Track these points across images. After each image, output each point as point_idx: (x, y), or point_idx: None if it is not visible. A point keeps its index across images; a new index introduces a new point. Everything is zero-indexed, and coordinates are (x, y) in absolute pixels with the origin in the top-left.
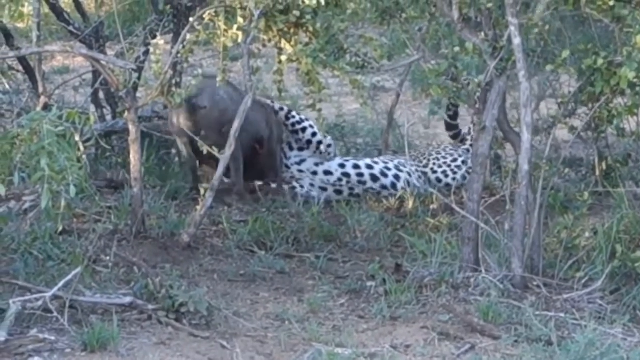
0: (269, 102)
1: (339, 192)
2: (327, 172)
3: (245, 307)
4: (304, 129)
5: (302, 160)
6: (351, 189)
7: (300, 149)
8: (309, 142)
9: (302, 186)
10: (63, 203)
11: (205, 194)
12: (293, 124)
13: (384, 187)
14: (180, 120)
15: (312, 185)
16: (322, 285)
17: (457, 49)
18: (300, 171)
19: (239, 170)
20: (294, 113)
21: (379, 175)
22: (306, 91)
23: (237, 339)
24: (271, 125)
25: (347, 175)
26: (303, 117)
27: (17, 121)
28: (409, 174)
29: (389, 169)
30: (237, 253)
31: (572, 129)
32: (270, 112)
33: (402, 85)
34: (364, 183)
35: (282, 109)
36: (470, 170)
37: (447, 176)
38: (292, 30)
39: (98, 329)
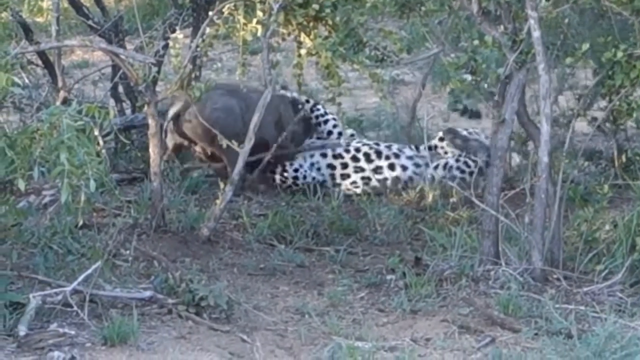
0: (294, 95)
1: (332, 166)
2: (324, 155)
3: (265, 301)
4: (326, 121)
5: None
6: (344, 165)
7: (318, 139)
8: (330, 132)
9: (291, 163)
10: (83, 197)
11: (224, 188)
12: (317, 117)
13: (378, 167)
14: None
15: (305, 160)
16: (341, 279)
17: (476, 42)
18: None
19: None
20: (319, 106)
21: (374, 156)
22: (325, 85)
23: (257, 333)
24: (282, 125)
25: (340, 156)
26: (327, 110)
27: (37, 115)
28: (410, 157)
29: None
30: (257, 247)
31: (591, 121)
32: (284, 112)
33: (426, 78)
34: (358, 160)
35: (308, 101)
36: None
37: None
38: (311, 24)
39: (118, 323)
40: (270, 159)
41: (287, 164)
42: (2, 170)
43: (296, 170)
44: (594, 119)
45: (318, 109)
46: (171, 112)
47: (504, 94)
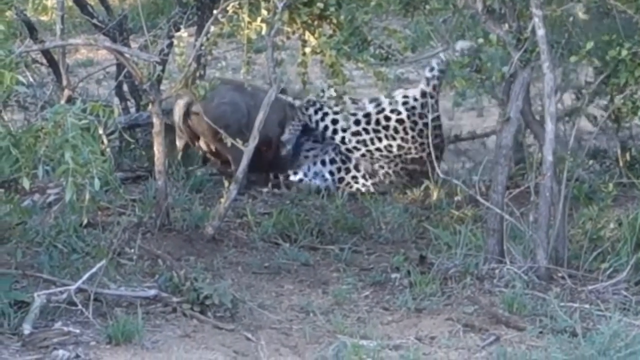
0: (289, 99)
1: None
2: (323, 163)
3: (270, 299)
4: (323, 118)
5: (312, 149)
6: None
7: (315, 141)
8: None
9: (295, 173)
10: (87, 196)
11: (229, 187)
12: (315, 121)
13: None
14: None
15: (309, 170)
16: (346, 277)
17: (481, 40)
18: (306, 157)
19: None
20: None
21: None
22: (330, 83)
23: (262, 331)
24: (284, 126)
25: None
26: (326, 111)
27: (41, 114)
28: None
29: None
30: (262, 245)
31: (593, 119)
32: (288, 113)
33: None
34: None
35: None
36: None
37: None
38: (315, 22)
39: (122, 322)
40: (271, 159)
41: (291, 172)
42: (7, 168)
43: (300, 181)
44: (594, 117)
45: (316, 112)
46: (178, 109)
47: (508, 93)
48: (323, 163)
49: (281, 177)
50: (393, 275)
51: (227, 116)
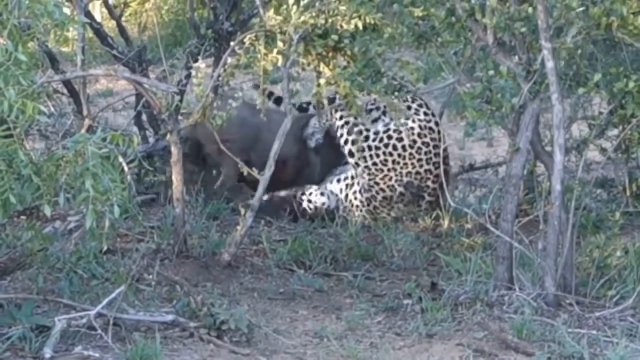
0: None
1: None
2: (339, 180)
3: (285, 325)
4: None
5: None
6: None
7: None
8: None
9: (309, 200)
10: (107, 223)
11: (245, 214)
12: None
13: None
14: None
15: (326, 188)
16: (359, 303)
17: (491, 72)
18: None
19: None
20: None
21: None
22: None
23: (277, 356)
24: (300, 145)
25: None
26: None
27: (62, 143)
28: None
29: None
30: (277, 272)
31: (602, 150)
32: (303, 128)
33: (444, 107)
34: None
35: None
36: None
37: None
38: (330, 54)
39: (141, 346)
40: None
41: (315, 188)
42: (29, 196)
43: (323, 204)
44: (604, 149)
45: (341, 118)
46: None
47: (518, 123)
48: (338, 181)
49: (305, 198)
50: (405, 302)
51: (232, 130)
